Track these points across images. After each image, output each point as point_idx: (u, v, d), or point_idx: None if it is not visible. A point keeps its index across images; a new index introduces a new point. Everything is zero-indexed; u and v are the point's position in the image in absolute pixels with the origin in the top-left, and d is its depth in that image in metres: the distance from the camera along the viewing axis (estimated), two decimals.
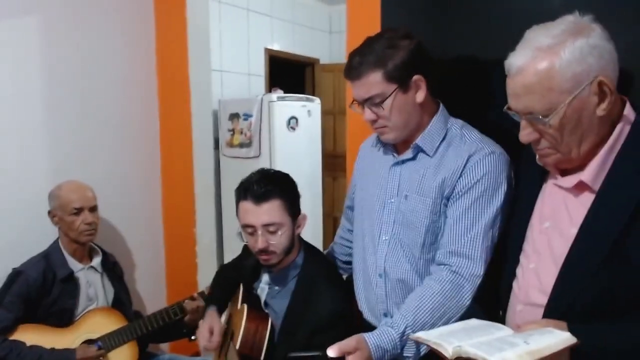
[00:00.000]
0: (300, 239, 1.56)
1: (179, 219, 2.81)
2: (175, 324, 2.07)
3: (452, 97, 1.40)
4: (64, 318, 1.97)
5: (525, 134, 1.04)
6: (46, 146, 2.28)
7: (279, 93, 3.65)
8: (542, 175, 1.15)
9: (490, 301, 1.22)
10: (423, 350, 1.25)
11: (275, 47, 4.49)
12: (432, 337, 1.00)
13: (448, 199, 1.29)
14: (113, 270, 2.21)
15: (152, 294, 2.77)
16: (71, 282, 2.00)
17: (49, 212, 2.06)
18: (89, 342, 1.97)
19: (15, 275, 1.92)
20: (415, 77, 1.27)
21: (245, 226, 1.45)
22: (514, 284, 1.15)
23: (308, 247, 1.57)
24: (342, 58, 1.36)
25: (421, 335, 1.03)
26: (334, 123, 4.93)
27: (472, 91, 1.49)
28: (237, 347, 1.43)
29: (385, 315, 1.38)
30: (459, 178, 1.27)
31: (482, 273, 1.24)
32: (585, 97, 0.96)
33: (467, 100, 1.47)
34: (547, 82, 0.96)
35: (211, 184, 3.02)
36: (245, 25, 4.14)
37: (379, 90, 1.26)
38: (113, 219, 2.54)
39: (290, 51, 4.68)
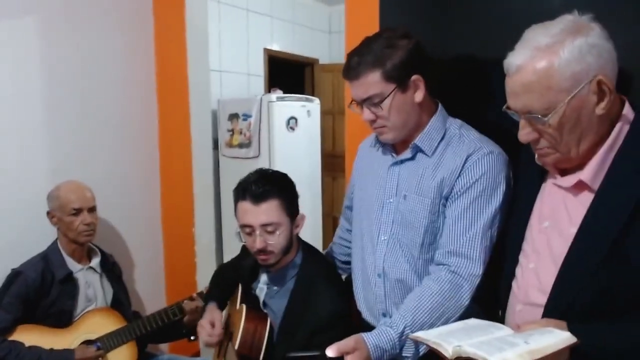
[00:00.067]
0: (299, 239, 1.56)
1: (178, 219, 2.81)
2: (174, 325, 2.07)
3: (451, 97, 1.40)
4: (62, 318, 1.96)
5: (525, 134, 1.04)
6: (45, 146, 2.27)
7: (279, 93, 3.65)
8: (541, 175, 1.15)
9: (490, 301, 1.22)
10: (422, 350, 1.24)
11: (275, 47, 4.49)
12: (432, 337, 1.00)
13: (447, 198, 1.29)
14: (112, 270, 2.21)
15: (151, 294, 2.77)
16: (70, 282, 1.99)
17: (48, 213, 2.05)
18: (88, 342, 1.96)
19: (14, 275, 1.92)
20: (414, 76, 1.27)
21: (243, 226, 1.45)
22: (514, 284, 1.15)
23: (306, 247, 1.57)
24: (341, 58, 1.36)
25: (421, 335, 1.03)
26: (333, 123, 4.94)
27: (471, 91, 1.49)
28: (236, 347, 1.43)
29: (384, 315, 1.38)
30: (457, 178, 1.27)
31: (480, 273, 1.24)
32: (584, 96, 0.96)
33: (466, 100, 1.47)
34: (546, 81, 0.96)
35: (210, 184, 3.02)
36: (245, 25, 4.14)
37: (377, 90, 1.26)
38: (112, 219, 2.53)
39: (289, 51, 4.68)
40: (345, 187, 1.72)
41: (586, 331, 0.92)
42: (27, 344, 1.84)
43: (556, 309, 1.01)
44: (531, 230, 1.13)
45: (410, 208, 1.32)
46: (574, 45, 0.94)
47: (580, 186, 1.03)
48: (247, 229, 1.44)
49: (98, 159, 2.49)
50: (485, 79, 1.40)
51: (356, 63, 1.27)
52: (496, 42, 1.13)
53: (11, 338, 1.84)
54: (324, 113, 4.28)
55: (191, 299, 2.07)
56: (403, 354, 1.23)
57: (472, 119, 1.37)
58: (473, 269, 1.24)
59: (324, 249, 1.77)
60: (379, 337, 1.17)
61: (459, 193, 1.27)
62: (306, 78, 5.13)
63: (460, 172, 1.27)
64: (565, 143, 1.00)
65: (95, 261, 2.11)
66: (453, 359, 0.92)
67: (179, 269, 2.84)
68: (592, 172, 1.00)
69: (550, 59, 0.95)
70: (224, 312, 1.67)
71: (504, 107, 1.05)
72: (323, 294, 1.43)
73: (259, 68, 4.30)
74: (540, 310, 1.04)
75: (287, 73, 4.74)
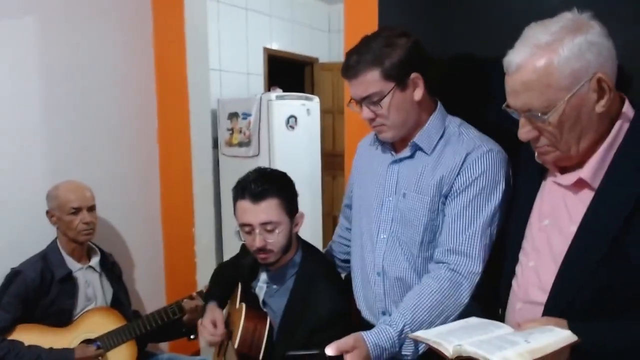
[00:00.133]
0: (298, 238, 1.56)
1: (178, 219, 2.81)
2: (174, 323, 2.07)
3: (450, 95, 1.40)
4: (62, 318, 1.96)
5: (525, 132, 1.04)
6: (45, 146, 2.27)
7: (278, 92, 3.65)
8: (541, 173, 1.15)
9: (490, 299, 1.22)
10: (421, 348, 1.24)
11: (274, 46, 4.48)
12: (432, 336, 0.99)
13: (446, 197, 1.29)
14: (112, 270, 2.21)
15: (151, 294, 2.76)
16: (69, 282, 1.99)
17: (47, 212, 2.05)
18: (87, 341, 1.96)
19: (13, 275, 1.92)
20: (413, 75, 1.27)
21: (242, 225, 1.45)
22: (513, 282, 1.15)
23: (306, 246, 1.57)
24: (341, 57, 1.36)
25: (421, 334, 1.03)
26: (333, 122, 4.93)
27: (471, 89, 1.49)
28: (236, 346, 1.43)
29: (384, 313, 1.38)
30: (456, 176, 1.27)
31: (480, 271, 1.24)
32: (584, 94, 0.95)
33: (465, 98, 1.47)
34: (545, 79, 0.96)
35: (210, 183, 3.01)
36: (244, 25, 4.13)
37: (376, 89, 1.26)
38: (112, 218, 2.53)
39: (289, 50, 4.68)
40: (345, 186, 1.72)
41: (586, 329, 0.92)
42: (26, 344, 1.84)
43: (556, 307, 1.01)
44: (531, 228, 1.13)
45: (409, 206, 1.32)
46: (573, 43, 0.94)
47: (580, 184, 1.03)
48: (246, 227, 1.44)
49: (97, 159, 2.48)
50: (484, 77, 1.40)
51: (355, 62, 1.27)
52: (495, 40, 1.13)
53: (11, 337, 1.84)
54: (323, 112, 4.27)
55: (191, 297, 2.07)
56: (402, 353, 1.23)
57: (471, 117, 1.37)
58: (472, 266, 1.24)
59: (324, 248, 1.77)
60: (378, 336, 1.17)
61: (458, 191, 1.27)
62: (306, 77, 5.12)
63: (459, 170, 1.27)
64: (565, 141, 1.00)
65: (95, 260, 2.11)
66: (454, 358, 0.91)
67: (178, 269, 2.84)
68: (592, 170, 1.00)
69: (549, 57, 0.95)
70: (224, 311, 1.67)
71: (504, 105, 1.05)
72: (322, 293, 1.43)
73: (259, 67, 4.29)
74: (541, 309, 1.04)
75: (286, 72, 4.74)
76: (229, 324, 1.61)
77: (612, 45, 0.97)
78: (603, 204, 0.98)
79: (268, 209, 1.41)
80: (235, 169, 3.09)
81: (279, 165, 3.26)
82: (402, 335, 1.18)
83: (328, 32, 5.26)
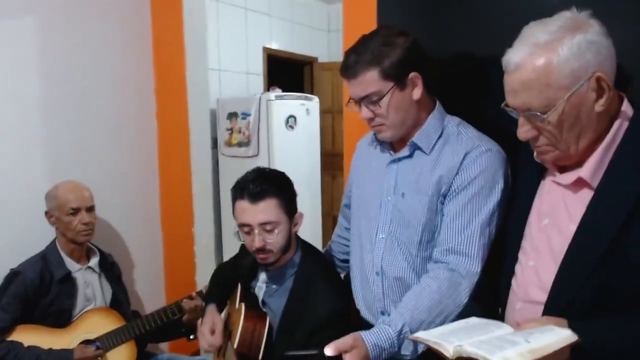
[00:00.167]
0: (298, 238, 1.56)
1: (177, 219, 2.81)
2: (174, 324, 2.07)
3: (448, 95, 1.39)
4: (61, 318, 1.96)
5: (524, 131, 1.04)
6: (44, 146, 2.27)
7: (278, 92, 3.64)
8: (540, 172, 1.15)
9: (489, 299, 1.22)
10: (421, 348, 1.24)
11: (274, 45, 4.48)
12: (432, 336, 0.99)
13: (445, 196, 1.29)
14: (111, 270, 2.21)
15: (150, 294, 2.76)
16: (68, 282, 1.99)
17: (46, 213, 2.05)
18: (87, 342, 1.96)
19: (13, 276, 1.92)
20: (412, 74, 1.26)
21: (241, 225, 1.44)
22: (513, 282, 1.15)
23: (305, 246, 1.57)
24: (340, 56, 1.35)
25: (421, 335, 1.02)
26: (332, 122, 4.93)
27: (469, 88, 1.48)
28: (235, 346, 1.43)
29: (383, 313, 1.37)
30: (455, 175, 1.27)
31: (479, 270, 1.24)
32: (583, 93, 0.95)
33: (464, 98, 1.47)
34: (544, 78, 0.95)
35: (209, 183, 3.01)
36: (243, 24, 4.12)
37: (375, 89, 1.26)
38: (111, 219, 2.53)
39: (288, 50, 4.67)
40: (344, 185, 1.72)
41: (587, 329, 0.92)
42: (26, 344, 1.84)
43: (556, 306, 1.01)
44: (530, 227, 1.13)
45: (408, 206, 1.32)
46: (572, 42, 0.94)
47: (579, 183, 1.03)
48: (245, 228, 1.44)
49: (96, 159, 2.48)
50: (483, 76, 1.40)
51: (354, 61, 1.26)
52: (494, 39, 1.13)
53: (10, 338, 1.84)
54: (323, 111, 4.27)
55: (190, 298, 2.07)
56: (402, 352, 1.23)
57: (470, 116, 1.37)
58: (471, 266, 1.23)
59: (323, 247, 1.77)
60: (377, 336, 1.16)
61: (457, 191, 1.26)
62: (305, 76, 5.12)
63: (458, 169, 1.26)
64: (565, 140, 1.00)
65: (94, 261, 2.11)
66: (454, 359, 0.91)
67: (178, 269, 2.84)
68: (592, 169, 1.00)
69: (549, 56, 0.95)
70: (224, 311, 1.67)
71: (503, 104, 1.05)
72: (322, 293, 1.43)
73: (258, 67, 4.29)
74: (540, 308, 1.04)
75: (286, 72, 4.73)
76: (228, 324, 1.61)
77: (611, 44, 0.97)
78: (602, 203, 0.98)
79: (267, 209, 1.41)
80: (234, 169, 3.08)
81: (279, 165, 3.26)
82: (401, 335, 1.18)
83: (327, 32, 5.25)
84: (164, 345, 2.69)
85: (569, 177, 1.04)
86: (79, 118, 2.40)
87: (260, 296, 1.56)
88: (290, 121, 3.60)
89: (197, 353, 2.73)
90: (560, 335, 0.89)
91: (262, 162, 3.32)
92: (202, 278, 2.70)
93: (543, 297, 1.04)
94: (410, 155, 1.35)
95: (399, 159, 1.37)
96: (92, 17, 2.43)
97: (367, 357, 1.13)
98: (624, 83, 1.04)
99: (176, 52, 2.64)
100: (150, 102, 2.74)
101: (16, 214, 2.15)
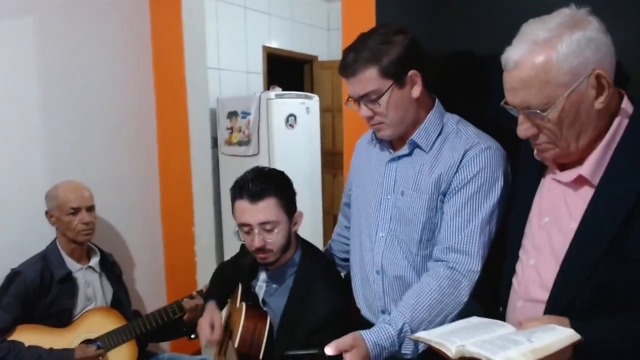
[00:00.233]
0: (298, 237, 1.56)
1: (178, 218, 2.81)
2: (175, 323, 2.07)
3: (448, 92, 1.39)
4: (62, 318, 1.96)
5: (524, 129, 1.03)
6: (44, 146, 2.27)
7: (277, 91, 3.64)
8: (540, 170, 1.14)
9: (490, 298, 1.22)
10: (421, 347, 1.23)
11: (273, 44, 4.47)
12: (434, 336, 0.98)
13: (444, 194, 1.28)
14: (112, 270, 2.21)
15: (151, 294, 2.76)
16: (69, 282, 1.99)
17: (46, 213, 2.05)
18: (88, 342, 1.96)
19: (13, 275, 1.92)
20: (411, 72, 1.26)
21: (241, 225, 1.44)
22: (514, 280, 1.15)
23: (305, 245, 1.56)
24: (340, 55, 1.36)
25: (422, 335, 1.02)
26: (332, 120, 4.92)
27: (468, 86, 1.48)
28: (236, 345, 1.43)
29: (383, 312, 1.37)
30: (455, 173, 1.26)
31: (479, 269, 1.24)
32: (583, 90, 0.95)
33: (463, 96, 1.46)
34: (544, 75, 0.95)
35: (209, 182, 3.01)
36: (243, 23, 4.12)
37: (374, 87, 1.25)
38: (111, 218, 2.53)
39: (288, 48, 4.66)
40: (344, 184, 1.72)
41: (589, 328, 0.91)
42: (26, 344, 1.84)
43: (557, 305, 1.01)
44: (531, 226, 1.13)
45: (408, 204, 1.32)
46: (572, 39, 0.93)
47: (580, 181, 1.03)
48: (245, 227, 1.44)
49: (96, 159, 2.48)
50: (482, 74, 1.39)
51: (352, 60, 1.26)
52: (493, 37, 1.12)
53: (11, 338, 1.84)
54: (323, 110, 4.26)
55: (191, 297, 2.07)
56: (402, 351, 1.22)
57: (469, 114, 1.37)
58: (471, 265, 1.23)
59: (324, 246, 1.77)
60: (377, 335, 1.16)
61: (456, 189, 1.26)
62: (305, 75, 5.11)
63: (457, 167, 1.26)
64: (565, 138, 1.00)
65: (95, 260, 2.11)
66: (456, 359, 0.91)
67: (179, 268, 2.84)
68: (592, 166, 1.00)
69: (548, 54, 0.94)
70: (224, 310, 1.67)
71: (502, 102, 1.04)
72: (322, 292, 1.43)
73: (258, 66, 4.28)
74: (542, 307, 1.03)
75: (286, 70, 4.72)
76: (229, 323, 1.61)
77: (611, 41, 0.96)
78: (603, 200, 0.98)
79: (266, 209, 1.40)
80: (234, 168, 3.08)
81: (279, 164, 3.26)
82: (402, 334, 1.17)
83: (327, 30, 5.25)
84: (165, 345, 2.69)
85: (570, 174, 1.04)
86: (78, 118, 2.40)
87: (261, 295, 1.56)
88: (291, 120, 3.60)
89: (198, 352, 2.73)
90: (563, 335, 0.89)
91: (262, 161, 3.32)
92: (203, 277, 2.70)
93: (544, 295, 1.04)
94: (409, 154, 1.34)
95: (399, 157, 1.37)
96: (92, 17, 2.43)
97: (367, 356, 1.13)
98: (623, 80, 1.04)
99: (175, 52, 2.63)
100: (150, 101, 2.74)
101: (16, 214, 2.15)
